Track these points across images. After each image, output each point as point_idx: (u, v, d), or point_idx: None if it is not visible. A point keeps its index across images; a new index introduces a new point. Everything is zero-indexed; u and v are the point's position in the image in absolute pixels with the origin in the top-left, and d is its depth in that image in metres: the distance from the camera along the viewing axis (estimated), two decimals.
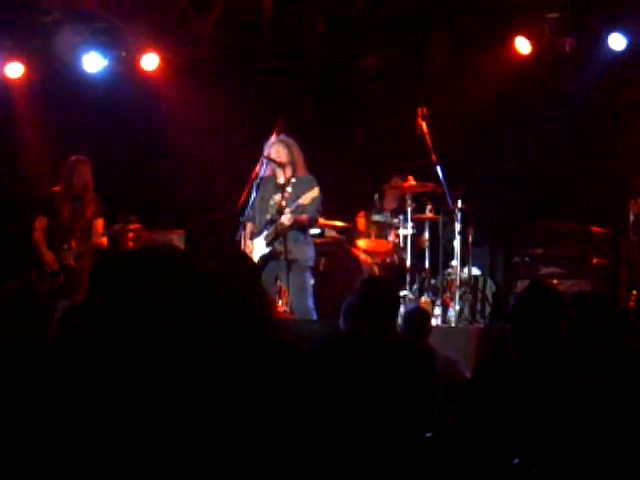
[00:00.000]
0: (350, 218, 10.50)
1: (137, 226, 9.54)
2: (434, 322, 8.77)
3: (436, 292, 9.72)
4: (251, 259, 8.22)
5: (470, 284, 9.77)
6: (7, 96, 11.26)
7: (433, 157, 9.33)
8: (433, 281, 9.90)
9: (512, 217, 10.92)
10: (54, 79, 11.11)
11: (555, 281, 9.58)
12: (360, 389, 4.01)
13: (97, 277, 2.31)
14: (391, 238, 10.17)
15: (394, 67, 11.00)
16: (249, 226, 8.56)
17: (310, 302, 8.32)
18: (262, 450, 2.12)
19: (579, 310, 4.34)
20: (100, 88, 11.07)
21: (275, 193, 8.46)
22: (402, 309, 9.07)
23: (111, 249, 9.75)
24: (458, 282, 9.51)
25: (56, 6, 10.54)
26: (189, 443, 2.08)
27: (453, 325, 9.28)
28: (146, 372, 2.12)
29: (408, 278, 9.67)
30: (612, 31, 10.00)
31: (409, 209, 9.74)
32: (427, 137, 9.37)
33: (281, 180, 8.46)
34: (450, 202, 9.41)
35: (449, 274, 9.86)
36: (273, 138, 8.53)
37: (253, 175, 8.59)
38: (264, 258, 8.36)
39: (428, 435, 3.85)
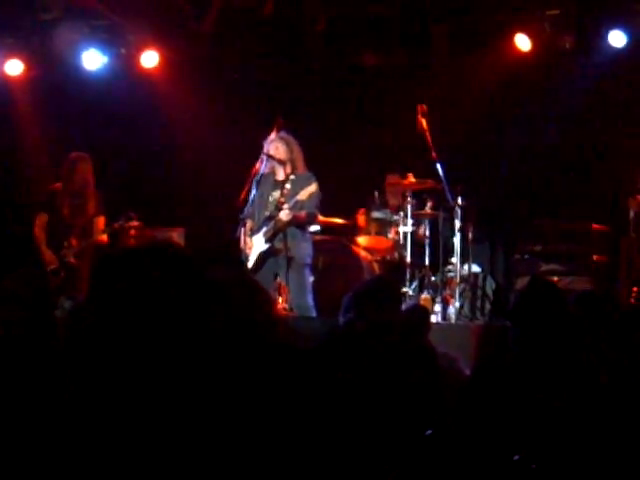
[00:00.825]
0: (350, 215, 10.50)
1: (137, 224, 9.55)
2: (434, 319, 8.77)
3: (436, 289, 9.72)
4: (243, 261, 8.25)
5: (470, 281, 9.77)
6: (7, 93, 11.26)
7: (433, 154, 9.33)
8: (433, 278, 9.89)
9: (512, 214, 10.93)
10: (54, 76, 11.11)
11: (555, 278, 9.58)
12: (360, 386, 4.00)
13: (98, 275, 2.30)
14: (391, 235, 10.17)
15: (394, 64, 11.00)
16: (249, 223, 8.56)
17: (309, 299, 8.33)
18: (265, 446, 2.12)
19: (582, 309, 4.35)
20: (100, 85, 11.07)
21: (274, 190, 8.48)
22: (403, 306, 9.10)
23: (111, 246, 9.75)
24: (458, 279, 9.52)
25: (56, 4, 10.53)
26: (191, 440, 2.08)
27: (453, 322, 9.28)
28: (148, 370, 2.12)
29: (408, 275, 9.67)
30: (612, 28, 10.00)
31: (409, 206, 9.74)
32: (427, 134, 9.37)
33: (280, 177, 8.48)
34: (450, 199, 9.40)
35: (449, 271, 9.86)
36: (273, 135, 8.54)
37: (253, 172, 8.60)
38: (263, 255, 8.37)
39: (428, 432, 3.85)
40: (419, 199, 9.98)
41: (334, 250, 9.96)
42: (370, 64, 11.01)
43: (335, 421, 2.60)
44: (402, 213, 9.90)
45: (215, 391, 2.14)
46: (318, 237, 9.76)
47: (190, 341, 2.14)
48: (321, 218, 9.69)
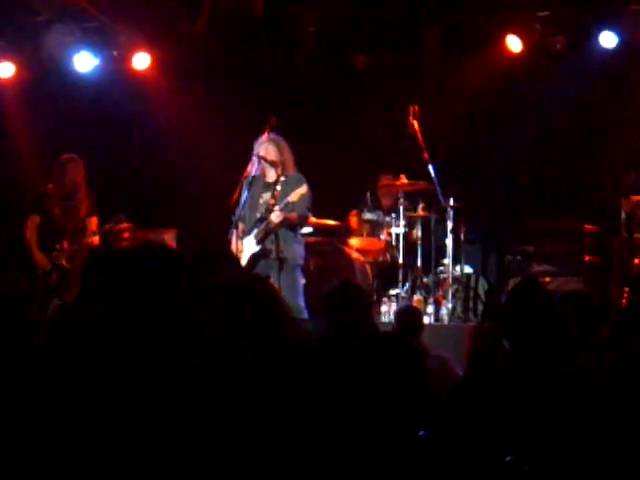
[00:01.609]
0: (342, 217, 10.50)
1: (129, 225, 9.54)
2: (426, 320, 8.78)
3: (428, 290, 9.73)
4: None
5: (462, 282, 9.77)
6: None
7: (425, 155, 9.34)
8: (425, 279, 9.90)
9: (504, 215, 10.93)
10: (45, 79, 11.10)
11: (547, 279, 9.60)
12: (351, 388, 4.00)
13: (89, 276, 2.30)
14: (383, 237, 10.18)
15: (385, 65, 11.00)
16: (240, 225, 8.56)
17: (301, 301, 8.34)
18: (260, 446, 2.12)
19: (567, 309, 4.35)
20: (91, 88, 11.06)
21: (264, 192, 8.48)
22: (394, 308, 9.11)
23: (103, 248, 9.74)
24: (450, 280, 9.52)
25: (47, 6, 10.52)
26: (188, 440, 2.07)
27: (445, 323, 9.28)
28: (138, 370, 2.12)
29: (400, 276, 9.67)
30: (603, 29, 10.01)
31: (401, 207, 9.75)
32: (419, 135, 9.37)
33: (270, 179, 8.48)
34: (442, 200, 9.41)
35: (441, 272, 9.87)
36: (263, 137, 8.54)
37: (245, 174, 8.60)
38: (254, 257, 8.37)
39: (421, 433, 3.85)
40: (411, 200, 9.98)
41: (326, 251, 9.96)
42: (362, 65, 11.01)
43: (327, 422, 2.60)
44: (394, 214, 9.90)
45: (211, 389, 2.13)
46: (310, 239, 9.76)
47: (180, 342, 2.14)
48: (313, 220, 9.69)
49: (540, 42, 10.29)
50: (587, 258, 10.00)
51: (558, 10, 10.24)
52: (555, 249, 10.16)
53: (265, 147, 8.46)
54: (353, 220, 10.48)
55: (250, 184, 8.48)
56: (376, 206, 10.52)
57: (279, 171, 8.41)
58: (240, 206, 8.49)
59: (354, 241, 10.26)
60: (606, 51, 10.07)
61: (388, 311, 9.36)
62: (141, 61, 10.91)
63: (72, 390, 2.18)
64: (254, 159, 8.51)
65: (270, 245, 8.32)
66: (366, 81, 11.14)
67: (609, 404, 3.84)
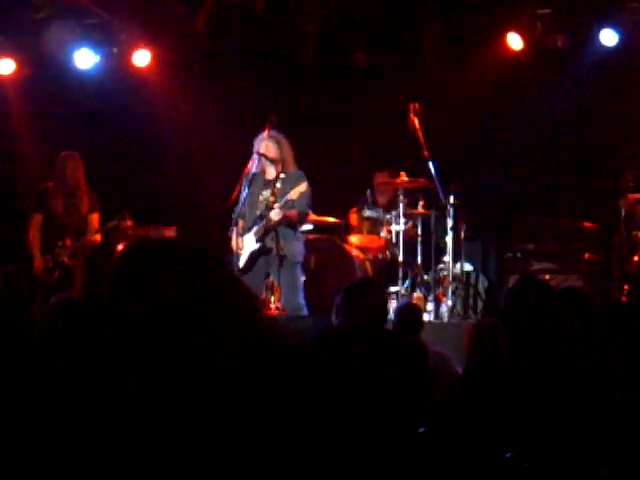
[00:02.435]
0: (343, 214, 10.50)
1: (129, 223, 9.54)
2: (426, 318, 8.78)
3: (428, 288, 9.73)
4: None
5: (462, 280, 9.78)
6: None
7: (425, 153, 9.34)
8: (425, 277, 9.90)
9: (504, 213, 10.93)
10: (46, 75, 11.09)
11: (547, 276, 9.60)
12: (352, 385, 4.01)
13: (124, 265, 2.27)
14: (383, 234, 10.18)
15: (386, 63, 11.00)
16: (240, 223, 8.56)
17: (301, 298, 8.33)
18: (257, 446, 2.12)
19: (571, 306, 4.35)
20: (92, 84, 11.06)
21: (264, 189, 8.47)
22: (394, 305, 9.11)
23: (105, 246, 9.75)
24: (450, 278, 9.52)
25: (48, 2, 10.52)
26: (186, 440, 2.08)
27: (445, 321, 9.28)
28: (150, 367, 2.11)
29: (400, 274, 9.67)
30: (604, 27, 10.01)
31: (401, 205, 9.75)
32: (419, 133, 9.37)
33: (270, 176, 8.47)
34: (442, 198, 9.41)
35: (441, 270, 9.86)
36: (263, 134, 8.54)
37: (245, 171, 8.60)
38: (254, 254, 8.36)
39: (421, 430, 3.85)
40: (411, 198, 9.98)
41: (326, 249, 9.96)
42: (362, 63, 11.01)
43: (325, 420, 2.60)
44: (394, 212, 9.90)
45: (211, 388, 2.14)
46: (310, 236, 9.76)
47: (197, 338, 2.14)
48: (313, 217, 9.70)
49: (541, 40, 10.29)
50: (587, 256, 10.00)
51: (559, 8, 10.24)
52: (555, 247, 10.16)
53: (265, 144, 8.45)
54: (353, 217, 10.49)
55: (250, 181, 8.48)
56: (373, 203, 10.54)
57: (279, 168, 8.41)
58: (240, 203, 8.49)
59: (354, 238, 10.26)
60: (607, 49, 10.07)
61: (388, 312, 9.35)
62: (141, 58, 10.90)
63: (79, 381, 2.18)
64: (254, 156, 8.51)
65: (270, 243, 8.31)
66: (367, 79, 11.14)
67: (610, 402, 3.85)
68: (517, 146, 11.01)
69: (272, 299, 9.09)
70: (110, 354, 2.15)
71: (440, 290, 9.66)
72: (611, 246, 9.93)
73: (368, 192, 10.58)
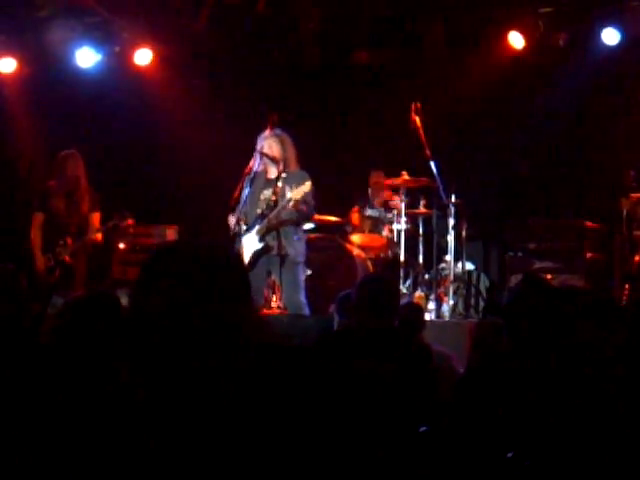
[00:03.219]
0: (344, 213, 10.51)
1: (130, 222, 9.54)
2: (428, 317, 8.78)
3: (430, 287, 9.73)
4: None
5: (464, 279, 9.78)
6: (0, 91, 11.25)
7: (427, 152, 9.33)
8: (427, 276, 9.90)
9: (506, 212, 10.94)
10: (47, 74, 11.10)
11: (549, 276, 9.59)
12: (356, 384, 4.01)
13: (153, 265, 2.26)
14: (385, 233, 10.18)
15: (388, 62, 11.00)
16: (242, 222, 8.54)
17: (302, 297, 8.31)
18: (256, 445, 2.12)
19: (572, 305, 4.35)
20: (93, 83, 11.06)
21: (265, 188, 8.45)
22: None
23: (106, 245, 9.75)
24: (452, 277, 9.52)
25: (49, 1, 10.52)
26: (191, 440, 2.07)
27: (447, 320, 9.28)
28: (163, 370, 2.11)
29: (402, 273, 9.67)
30: (606, 25, 10.00)
31: (402, 204, 9.74)
32: (421, 132, 9.36)
33: (272, 175, 8.45)
34: (444, 197, 9.40)
35: (443, 269, 9.87)
36: (266, 132, 8.52)
37: (247, 170, 8.58)
38: (257, 253, 8.35)
39: (423, 429, 3.85)
40: (413, 197, 9.98)
41: (328, 248, 9.96)
42: (364, 62, 11.01)
43: (328, 419, 2.60)
44: (395, 211, 9.90)
45: (212, 389, 2.13)
46: (312, 235, 9.77)
47: (206, 339, 2.13)
48: (315, 216, 9.69)
49: (542, 39, 10.28)
50: (588, 255, 10.00)
51: (560, 6, 10.23)
52: (556, 246, 10.15)
53: (268, 143, 8.43)
54: (355, 217, 10.49)
55: (251, 180, 8.46)
56: (370, 202, 10.56)
57: (281, 167, 8.39)
58: (241, 202, 8.47)
59: (356, 238, 10.26)
60: (608, 48, 10.06)
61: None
62: (143, 57, 10.91)
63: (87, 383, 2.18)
64: (256, 155, 8.49)
65: (272, 242, 8.29)
66: (368, 77, 11.14)
67: (612, 401, 3.84)
68: (519, 145, 11.00)
69: (273, 298, 9.09)
70: (119, 353, 2.14)
71: (441, 289, 9.67)
72: (612, 245, 9.92)
73: (369, 191, 10.59)
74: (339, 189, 10.58)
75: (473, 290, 9.97)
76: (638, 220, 9.65)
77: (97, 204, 9.44)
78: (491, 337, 5.78)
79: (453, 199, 9.44)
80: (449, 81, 10.65)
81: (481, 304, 9.91)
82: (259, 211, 8.43)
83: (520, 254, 10.23)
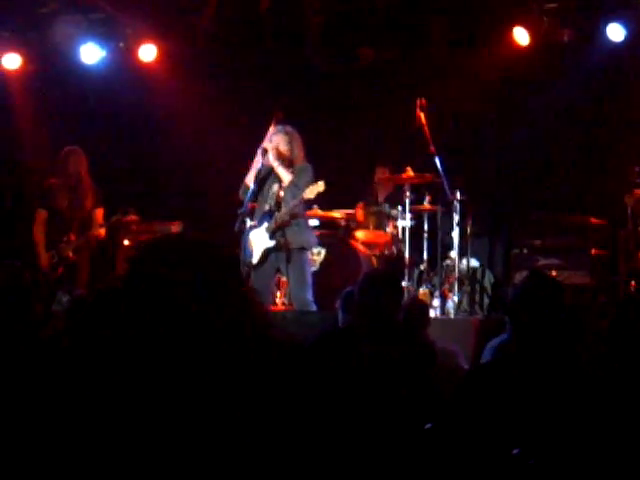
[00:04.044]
0: (349, 209, 10.50)
1: (135, 218, 9.55)
2: (433, 313, 8.77)
3: (434, 283, 9.72)
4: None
5: (469, 275, 9.76)
6: (4, 87, 11.25)
7: (432, 148, 9.32)
8: (432, 272, 9.89)
9: (511, 208, 10.92)
10: (52, 70, 11.10)
11: (554, 272, 9.58)
12: (360, 381, 4.00)
13: (140, 261, 2.25)
14: (389, 229, 10.18)
15: (392, 58, 10.99)
16: (248, 218, 8.53)
17: (309, 294, 8.30)
18: (262, 442, 2.11)
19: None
20: (98, 79, 11.06)
21: (273, 184, 8.45)
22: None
23: (109, 241, 9.75)
24: (457, 273, 9.51)
25: None
26: (194, 438, 2.07)
27: (452, 316, 9.28)
28: (162, 366, 2.10)
29: (407, 269, 9.66)
30: (611, 21, 9.98)
31: (407, 200, 9.73)
32: (426, 128, 9.35)
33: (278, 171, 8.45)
34: (449, 193, 9.39)
35: (448, 265, 9.86)
36: (272, 129, 8.52)
37: (252, 166, 8.56)
38: (268, 250, 8.33)
39: (427, 426, 3.85)
40: (418, 193, 9.97)
41: (332, 244, 9.96)
42: (368, 58, 10.99)
43: (332, 416, 2.59)
44: (400, 207, 9.89)
45: (220, 389, 2.12)
46: (316, 232, 9.76)
47: (205, 337, 2.12)
48: (319, 212, 9.70)
49: (548, 35, 10.27)
50: (593, 251, 9.98)
51: (565, 2, 10.22)
52: (561, 242, 10.14)
53: (276, 139, 8.43)
54: (359, 213, 10.48)
55: (257, 176, 8.45)
56: (374, 198, 10.56)
57: (287, 163, 8.39)
58: (247, 199, 8.46)
59: (360, 234, 10.26)
60: (613, 44, 10.04)
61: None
62: (147, 53, 10.90)
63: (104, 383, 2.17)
64: (261, 151, 8.47)
65: (280, 238, 8.29)
66: (373, 74, 11.13)
67: (615, 398, 3.84)
68: (523, 141, 10.98)
69: (278, 294, 9.09)
70: (123, 349, 2.13)
71: (446, 286, 9.66)
72: (618, 242, 9.91)
73: (374, 187, 10.58)
74: (344, 185, 10.57)
75: (478, 287, 9.96)
76: None
77: (100, 200, 9.45)
78: (496, 334, 5.77)
79: (458, 195, 9.43)
80: (454, 77, 10.63)
81: (486, 301, 9.90)
82: (267, 207, 8.42)
83: (525, 251, 10.22)
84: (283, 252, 8.24)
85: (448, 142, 9.82)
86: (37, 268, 9.10)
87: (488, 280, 10.03)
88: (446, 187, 9.35)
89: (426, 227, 9.94)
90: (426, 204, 9.94)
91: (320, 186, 8.11)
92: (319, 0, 10.69)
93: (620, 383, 3.96)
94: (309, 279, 8.39)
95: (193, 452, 2.07)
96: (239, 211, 8.54)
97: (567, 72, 10.43)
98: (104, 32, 10.91)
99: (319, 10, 10.72)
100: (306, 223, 8.64)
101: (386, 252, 10.19)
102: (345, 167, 10.95)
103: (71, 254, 9.23)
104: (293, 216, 8.30)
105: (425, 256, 9.88)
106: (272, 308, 8.62)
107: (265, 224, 8.35)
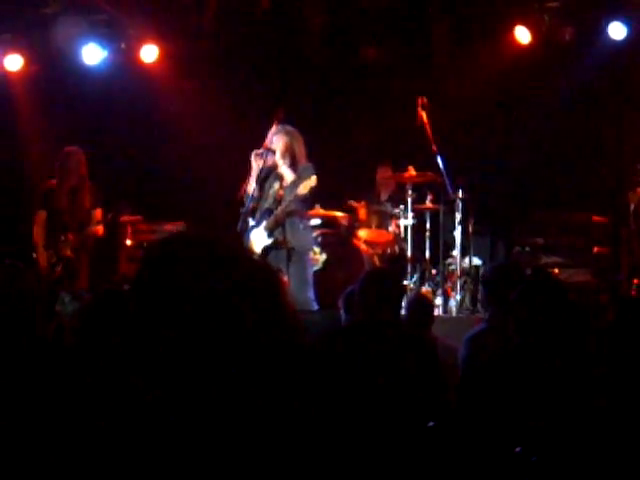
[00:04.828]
0: (351, 208, 10.50)
1: (137, 218, 9.56)
2: (435, 312, 8.76)
3: (437, 282, 9.72)
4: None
5: (471, 274, 9.76)
6: (6, 88, 11.26)
7: (433, 147, 9.32)
8: (434, 271, 9.89)
9: (513, 207, 10.92)
10: (53, 71, 11.11)
11: (556, 270, 9.58)
12: (363, 379, 4.01)
13: (152, 261, 2.24)
14: (392, 228, 10.18)
15: (394, 57, 10.99)
16: (250, 218, 8.54)
17: (310, 293, 8.31)
18: (268, 443, 2.12)
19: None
20: (99, 80, 11.06)
21: (274, 183, 8.46)
22: (404, 299, 9.10)
23: (110, 240, 9.76)
24: (459, 272, 9.50)
25: None
26: (199, 439, 2.07)
27: (454, 315, 9.27)
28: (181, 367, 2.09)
29: (409, 268, 9.67)
30: (612, 20, 9.99)
31: (409, 199, 9.73)
32: (427, 127, 9.35)
33: (280, 170, 8.46)
34: (451, 192, 9.39)
35: (450, 264, 9.86)
36: (274, 128, 8.52)
37: (253, 166, 8.57)
38: (267, 249, 8.35)
39: (430, 424, 3.85)
40: (419, 192, 9.97)
41: (334, 243, 9.96)
42: (370, 57, 11.00)
43: (335, 415, 2.60)
44: (402, 206, 9.90)
45: (234, 389, 2.12)
46: (318, 230, 9.77)
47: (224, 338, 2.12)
48: (321, 211, 9.70)
49: (549, 33, 10.27)
50: (595, 249, 9.99)
51: (567, 1, 10.22)
52: (564, 241, 10.15)
53: (277, 138, 8.44)
54: (362, 212, 10.48)
55: (259, 176, 8.47)
56: (376, 197, 10.56)
57: (289, 162, 8.40)
58: (249, 198, 8.47)
59: (362, 233, 10.26)
60: (615, 42, 10.05)
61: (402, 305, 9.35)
62: (149, 53, 10.91)
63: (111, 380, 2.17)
64: (264, 150, 8.48)
65: (279, 236, 8.30)
66: (375, 73, 11.13)
67: (619, 396, 3.84)
68: (525, 140, 10.98)
69: None
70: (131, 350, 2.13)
71: (448, 284, 9.65)
72: (620, 240, 9.91)
73: (377, 186, 10.59)
74: (345, 184, 10.57)
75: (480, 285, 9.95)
76: None
77: (99, 200, 9.47)
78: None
79: (460, 194, 9.43)
80: (455, 76, 10.64)
81: None
82: (267, 206, 8.44)
83: (527, 249, 10.22)
84: (283, 251, 8.26)
85: (450, 141, 9.82)
86: (36, 268, 9.11)
87: None
88: (448, 186, 9.35)
89: (428, 226, 9.94)
90: (428, 203, 9.94)
91: (312, 181, 8.12)
92: (319, 0, 10.69)
93: (621, 381, 3.96)
94: (310, 278, 8.41)
95: (201, 455, 2.07)
96: (242, 211, 8.55)
97: (568, 71, 10.43)
98: (106, 33, 10.92)
99: (319, 10, 10.73)
100: (305, 222, 8.64)
101: (388, 251, 10.19)
102: (346, 166, 10.95)
103: (69, 253, 9.24)
104: (289, 214, 8.31)
105: (427, 255, 9.88)
106: None
107: (264, 223, 8.36)
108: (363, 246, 10.01)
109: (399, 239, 10.07)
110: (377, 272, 5.68)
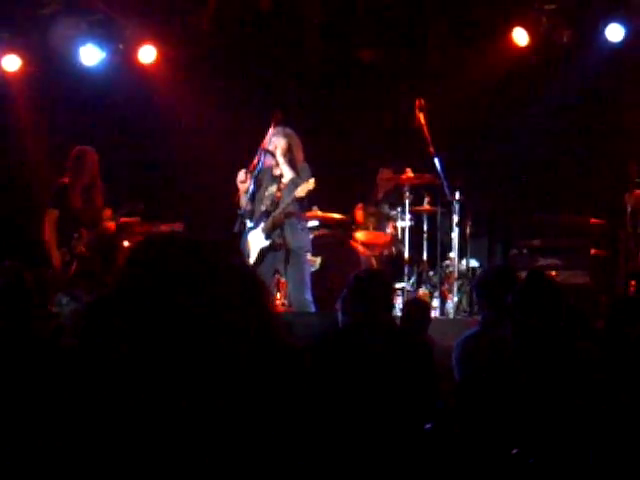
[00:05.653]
0: (348, 210, 10.50)
1: (136, 219, 9.56)
2: (432, 314, 8.77)
3: (434, 284, 9.73)
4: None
5: (468, 276, 9.77)
6: (4, 89, 11.25)
7: (431, 149, 9.32)
8: (431, 273, 9.90)
9: (510, 209, 10.93)
10: (51, 72, 11.10)
11: (553, 272, 9.58)
12: (359, 381, 4.01)
13: (135, 260, 2.24)
14: (389, 230, 10.18)
15: (392, 58, 11.00)
16: (248, 220, 8.55)
17: (308, 295, 8.32)
18: (261, 444, 2.12)
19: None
20: (97, 81, 11.06)
21: (271, 184, 8.47)
22: (400, 301, 9.11)
23: (119, 234, 9.75)
24: (456, 274, 9.51)
25: None
26: (193, 439, 2.07)
27: (451, 317, 9.28)
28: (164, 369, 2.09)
29: (406, 270, 9.67)
30: (610, 22, 9.99)
31: (407, 201, 9.74)
32: (425, 129, 9.36)
33: (277, 171, 8.47)
34: (448, 194, 9.39)
35: (447, 266, 9.86)
36: (272, 130, 8.53)
37: (251, 167, 8.58)
38: (264, 250, 8.35)
39: (427, 426, 3.85)
40: (417, 194, 9.98)
41: (332, 245, 9.96)
42: (368, 58, 11.00)
43: (332, 416, 2.60)
44: (400, 208, 9.90)
45: (224, 389, 2.12)
46: (316, 232, 9.77)
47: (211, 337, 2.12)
48: (319, 213, 9.70)
49: (547, 35, 10.28)
50: (593, 252, 9.99)
51: (564, 3, 10.23)
52: (561, 243, 10.15)
53: (275, 140, 8.44)
54: (359, 213, 10.49)
55: (256, 177, 8.47)
56: (375, 200, 10.56)
57: (287, 163, 8.40)
58: (246, 200, 8.47)
59: (360, 235, 10.26)
60: (613, 44, 10.05)
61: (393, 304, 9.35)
62: (147, 54, 10.91)
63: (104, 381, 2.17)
64: (261, 152, 8.49)
65: (277, 238, 8.30)
66: (372, 74, 11.14)
67: (615, 397, 3.84)
68: (522, 142, 10.98)
69: (277, 295, 9.09)
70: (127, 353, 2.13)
71: (446, 286, 9.66)
72: (617, 242, 9.91)
73: (375, 188, 10.60)
74: (342, 186, 10.57)
75: None
76: None
77: (105, 199, 9.48)
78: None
79: (457, 196, 9.43)
80: (453, 78, 10.63)
81: None
82: (264, 208, 8.44)
83: (524, 251, 10.23)
84: (281, 253, 8.26)
85: (447, 142, 9.82)
86: (50, 267, 9.09)
87: None
88: (445, 188, 9.36)
89: (425, 228, 9.95)
90: (425, 205, 9.95)
91: (310, 184, 8.13)
92: (319, 2, 10.70)
93: (618, 382, 3.96)
94: (308, 280, 8.41)
95: (195, 455, 2.07)
96: (239, 212, 8.56)
97: (566, 72, 10.44)
98: (104, 33, 10.91)
99: (319, 10, 10.73)
100: (303, 224, 8.65)
101: (386, 253, 10.19)
102: (343, 168, 10.95)
103: (84, 249, 9.22)
104: (287, 215, 8.32)
105: (425, 257, 9.89)
106: None
107: (262, 225, 8.37)
108: (360, 248, 10.02)
109: (396, 241, 10.08)
110: (365, 273, 5.68)
